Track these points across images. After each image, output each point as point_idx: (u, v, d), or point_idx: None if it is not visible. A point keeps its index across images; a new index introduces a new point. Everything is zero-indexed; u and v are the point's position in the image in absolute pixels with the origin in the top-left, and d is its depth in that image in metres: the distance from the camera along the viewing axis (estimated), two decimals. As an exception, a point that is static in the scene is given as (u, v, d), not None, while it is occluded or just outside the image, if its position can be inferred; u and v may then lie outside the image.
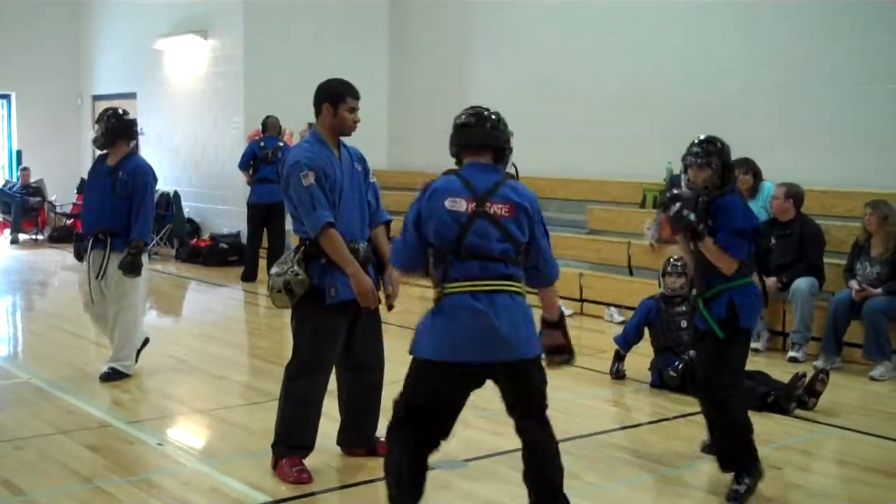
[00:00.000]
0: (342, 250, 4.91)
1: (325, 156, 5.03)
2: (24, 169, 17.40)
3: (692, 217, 4.98)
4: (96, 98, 18.42)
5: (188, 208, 15.40)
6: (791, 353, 8.23)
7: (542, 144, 12.72)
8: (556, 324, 4.45)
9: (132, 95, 16.87)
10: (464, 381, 4.12)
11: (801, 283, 8.24)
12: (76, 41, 18.67)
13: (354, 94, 5.24)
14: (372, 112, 15.50)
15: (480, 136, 4.24)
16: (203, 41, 15.25)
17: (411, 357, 4.18)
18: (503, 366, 4.06)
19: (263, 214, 12.08)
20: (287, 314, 5.25)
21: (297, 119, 12.90)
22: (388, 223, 5.52)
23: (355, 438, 5.47)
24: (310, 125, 12.87)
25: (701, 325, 5.14)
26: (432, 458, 5.26)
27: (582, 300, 10.45)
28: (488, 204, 4.05)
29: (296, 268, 4.91)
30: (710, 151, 5.10)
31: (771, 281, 8.39)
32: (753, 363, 7.80)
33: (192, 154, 15.55)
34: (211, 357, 8.15)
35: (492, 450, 5.67)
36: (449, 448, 5.47)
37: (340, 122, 5.14)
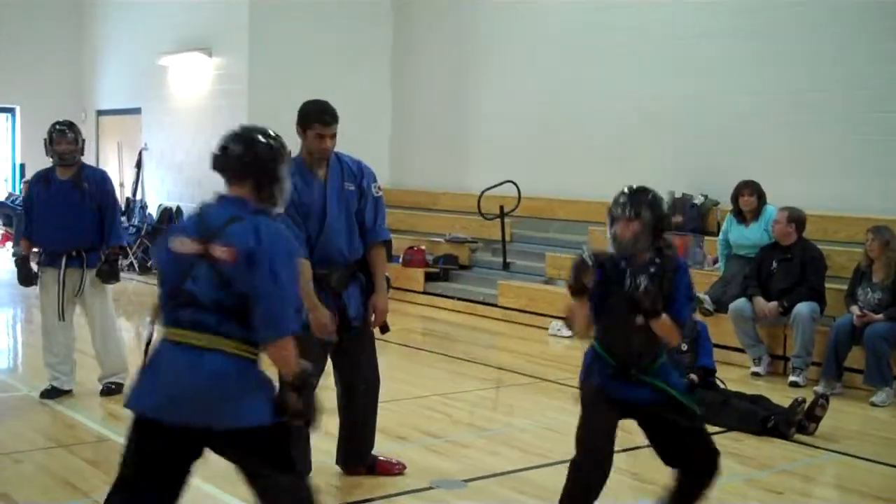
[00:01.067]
0: (305, 286, 4.70)
1: (301, 181, 4.86)
2: (27, 182, 17.40)
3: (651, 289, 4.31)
4: (100, 113, 18.47)
5: (190, 224, 15.40)
6: (792, 378, 8.21)
7: (544, 164, 12.75)
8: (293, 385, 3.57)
9: (136, 111, 16.91)
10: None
11: (803, 308, 8.23)
12: (81, 56, 18.74)
13: (322, 121, 5.07)
14: (374, 131, 15.64)
15: (230, 165, 3.58)
16: (207, 59, 15.30)
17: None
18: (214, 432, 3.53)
19: None
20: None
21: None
22: (387, 242, 5.37)
23: (351, 457, 5.44)
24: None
25: (642, 396, 4.46)
26: (432, 478, 5.27)
27: (583, 322, 10.42)
28: (212, 245, 3.43)
29: None
30: (640, 202, 4.42)
31: (772, 305, 8.39)
32: (754, 387, 7.81)
33: (195, 170, 15.55)
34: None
35: (491, 470, 5.66)
36: (448, 468, 5.47)
37: (308, 144, 5.08)
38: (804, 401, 6.64)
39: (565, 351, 9.74)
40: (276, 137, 3.65)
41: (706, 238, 10.36)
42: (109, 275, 7.14)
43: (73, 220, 7.00)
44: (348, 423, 5.37)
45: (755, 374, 8.54)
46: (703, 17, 11.35)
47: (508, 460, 5.79)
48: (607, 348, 4.46)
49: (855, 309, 7.99)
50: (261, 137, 3.61)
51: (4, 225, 17.28)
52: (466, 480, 5.45)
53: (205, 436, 3.52)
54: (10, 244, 16.79)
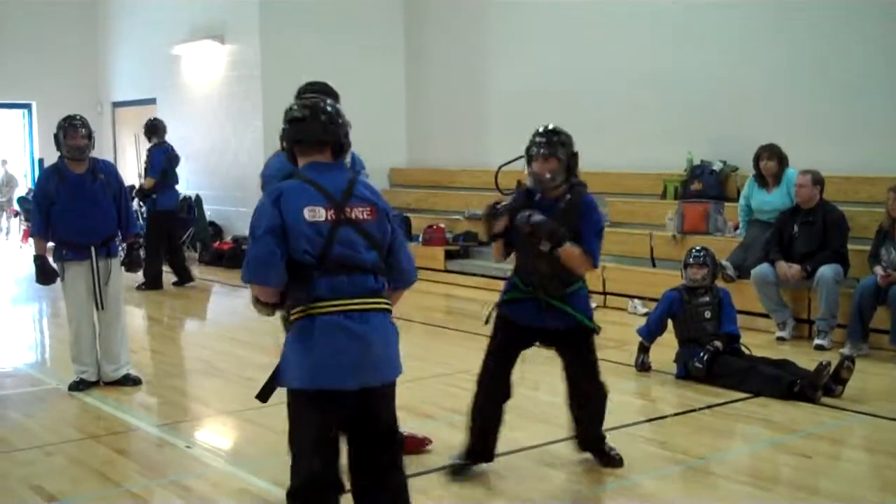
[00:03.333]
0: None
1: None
2: (39, 180, 17.50)
3: (542, 221, 4.79)
4: (116, 105, 18.54)
5: (210, 212, 15.46)
6: (817, 341, 8.19)
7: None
8: None
9: (152, 101, 16.95)
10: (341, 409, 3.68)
11: (826, 271, 8.19)
12: (95, 49, 18.79)
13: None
14: (390, 111, 15.64)
15: (317, 132, 3.71)
16: (220, 46, 15.31)
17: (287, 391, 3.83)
18: (374, 391, 3.68)
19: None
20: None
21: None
22: None
23: None
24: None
25: (557, 323, 4.94)
26: (455, 453, 5.28)
27: (605, 293, 10.44)
28: (348, 208, 3.63)
29: None
30: (554, 142, 4.89)
31: (795, 269, 8.35)
32: (779, 351, 7.80)
33: (212, 158, 15.61)
34: (237, 359, 8.19)
35: (514, 445, 5.65)
36: (475, 444, 5.49)
37: None
38: (829, 364, 6.62)
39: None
40: (334, 104, 3.83)
41: (726, 204, 10.31)
42: (134, 264, 7.27)
43: (96, 212, 7.09)
44: None
45: (780, 339, 8.51)
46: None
47: (534, 434, 5.80)
48: (521, 275, 5.00)
49: (878, 269, 7.94)
50: (331, 105, 3.78)
51: (26, 220, 17.40)
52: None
53: (372, 394, 3.67)
54: (31, 239, 16.93)
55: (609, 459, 5.30)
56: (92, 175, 7.14)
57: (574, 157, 4.97)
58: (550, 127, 4.99)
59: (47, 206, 7.11)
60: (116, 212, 7.20)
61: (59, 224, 7.10)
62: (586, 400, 5.18)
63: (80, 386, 7.13)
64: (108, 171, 7.28)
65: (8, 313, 11.16)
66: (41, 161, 18.53)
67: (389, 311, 3.74)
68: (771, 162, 9.03)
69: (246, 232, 13.05)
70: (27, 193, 17.74)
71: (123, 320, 7.33)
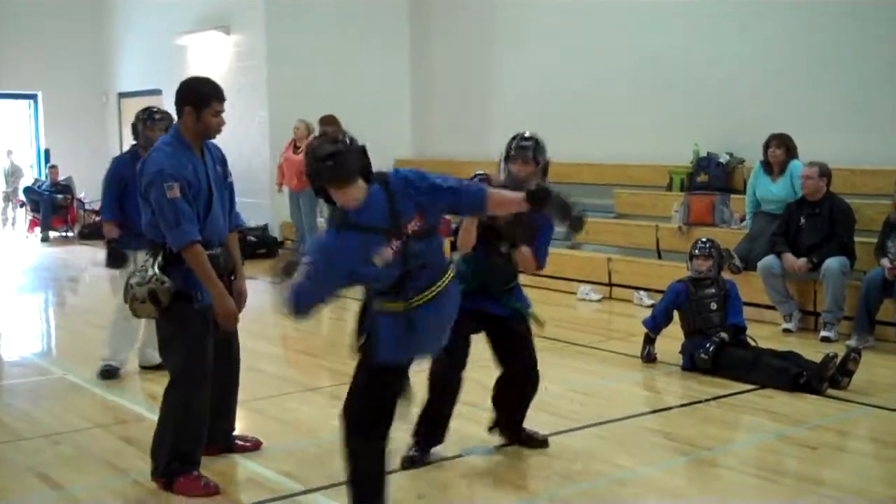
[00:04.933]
0: (207, 269, 4.67)
1: (190, 162, 4.75)
2: (52, 167, 17.56)
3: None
4: (122, 95, 18.55)
5: (215, 203, 15.47)
6: (823, 333, 8.18)
7: (568, 129, 12.66)
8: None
9: (157, 92, 16.94)
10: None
11: (832, 263, 8.18)
12: (100, 39, 18.80)
13: (220, 98, 4.91)
14: (395, 103, 15.64)
15: (352, 164, 3.90)
16: (226, 37, 15.31)
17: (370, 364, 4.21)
18: None
19: None
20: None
21: (320, 111, 12.96)
22: (240, 228, 5.45)
23: (220, 437, 5.34)
24: (308, 125, 13.01)
25: (499, 311, 5.24)
26: (463, 445, 5.31)
27: (611, 284, 10.43)
28: (403, 227, 3.95)
29: (159, 274, 4.63)
30: (538, 149, 5.16)
31: (801, 261, 8.34)
32: (786, 343, 7.79)
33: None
34: (243, 349, 8.17)
35: (523, 435, 5.67)
36: (478, 433, 5.50)
37: (205, 126, 4.83)
38: (836, 356, 6.61)
39: (594, 315, 9.75)
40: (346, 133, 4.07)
41: (732, 196, 10.31)
42: None
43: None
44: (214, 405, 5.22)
45: (786, 331, 8.51)
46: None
47: (540, 425, 5.79)
48: (474, 268, 5.20)
49: (885, 262, 7.93)
50: (349, 136, 4.00)
51: (32, 210, 17.43)
52: (497, 446, 5.47)
53: None
54: (38, 229, 16.95)
55: (531, 440, 5.49)
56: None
57: (547, 165, 5.22)
58: (530, 133, 5.25)
59: (120, 191, 7.00)
60: None
61: (134, 213, 7.11)
62: (525, 381, 5.40)
63: (112, 374, 7.15)
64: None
65: (14, 303, 11.18)
66: (47, 151, 18.57)
67: (453, 277, 4.21)
68: (779, 150, 9.03)
69: (251, 223, 13.01)
70: (33, 184, 17.77)
71: None
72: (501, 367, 5.38)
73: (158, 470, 4.84)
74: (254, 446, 5.51)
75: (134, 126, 7.19)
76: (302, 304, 3.95)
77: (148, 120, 7.02)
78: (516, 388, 5.41)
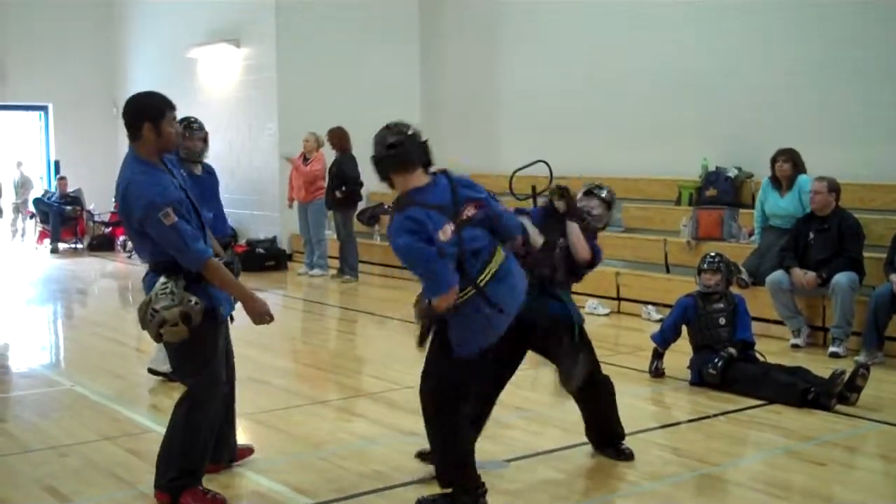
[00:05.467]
0: (228, 278, 4.68)
1: (167, 182, 4.61)
2: (62, 178, 17.62)
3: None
4: (132, 107, 18.60)
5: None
6: (832, 349, 8.15)
7: (576, 142, 12.71)
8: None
9: (167, 104, 17.02)
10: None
11: (841, 278, 8.16)
12: (110, 52, 18.89)
13: (172, 106, 4.76)
14: (404, 115, 15.45)
15: (416, 152, 4.39)
16: (236, 49, 15.37)
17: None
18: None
19: None
20: (324, 319, 5.26)
21: (330, 124, 13.00)
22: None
23: (229, 452, 5.36)
24: (318, 136, 13.05)
25: (558, 310, 5.32)
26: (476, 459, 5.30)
27: (619, 298, 10.42)
28: (460, 212, 4.38)
29: (188, 295, 4.56)
30: (611, 194, 5.71)
31: (810, 276, 8.32)
32: (794, 359, 7.77)
33: (228, 161, 15.66)
34: (250, 362, 8.19)
35: (533, 450, 5.67)
36: (490, 449, 5.49)
37: (166, 138, 4.65)
38: (843, 372, 6.59)
39: (601, 329, 9.73)
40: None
41: (741, 211, 10.30)
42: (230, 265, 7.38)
43: (220, 209, 7.24)
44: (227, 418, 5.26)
45: (795, 346, 8.48)
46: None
47: (550, 439, 5.79)
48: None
49: (894, 277, 7.90)
50: (410, 131, 4.42)
51: (42, 222, 17.48)
52: (508, 460, 5.46)
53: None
54: (47, 241, 17.01)
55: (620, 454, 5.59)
56: (208, 175, 7.28)
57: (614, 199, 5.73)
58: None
59: None
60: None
61: None
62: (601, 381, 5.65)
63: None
64: (212, 173, 7.39)
65: (23, 314, 11.21)
66: (57, 163, 18.64)
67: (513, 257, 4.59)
68: (786, 165, 9.02)
69: (261, 235, 13.06)
70: (43, 195, 17.83)
71: None
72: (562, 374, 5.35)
73: (163, 483, 4.82)
74: (249, 452, 5.54)
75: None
76: (440, 284, 4.29)
77: (186, 130, 6.99)
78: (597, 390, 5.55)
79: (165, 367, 7.14)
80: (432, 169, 4.46)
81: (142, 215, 4.49)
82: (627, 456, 5.50)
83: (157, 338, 4.63)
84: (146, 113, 4.66)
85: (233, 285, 4.72)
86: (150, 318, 4.56)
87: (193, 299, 4.57)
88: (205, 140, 7.19)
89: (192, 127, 7.07)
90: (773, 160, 9.15)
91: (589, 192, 5.66)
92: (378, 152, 4.39)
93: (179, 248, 4.51)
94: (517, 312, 4.54)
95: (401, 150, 4.33)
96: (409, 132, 4.39)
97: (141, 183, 4.54)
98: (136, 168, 4.62)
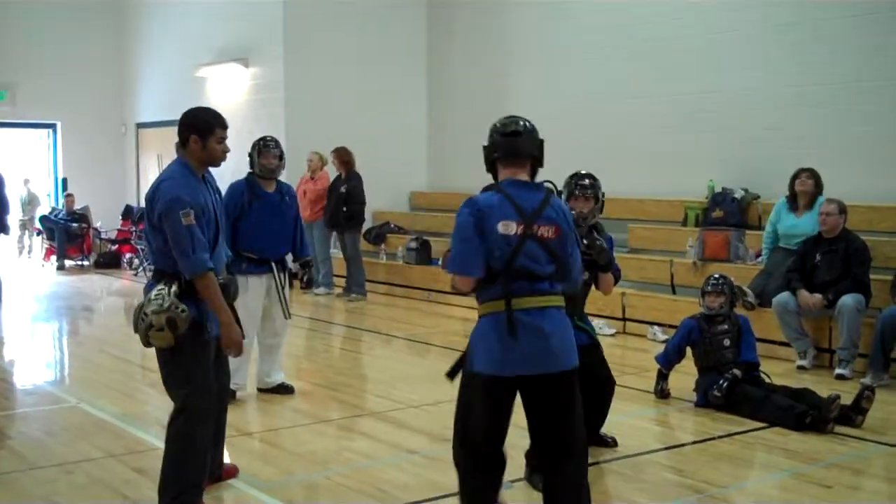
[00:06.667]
0: (218, 297, 4.72)
1: (199, 190, 4.81)
2: (69, 195, 17.67)
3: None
4: (140, 126, 18.69)
5: (231, 233, 15.53)
6: (838, 371, 8.14)
7: (582, 163, 12.60)
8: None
9: (175, 123, 17.05)
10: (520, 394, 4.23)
11: (848, 300, 8.15)
12: (120, 71, 18.97)
13: (223, 125, 4.99)
14: (411, 134, 15.71)
15: (528, 146, 4.27)
16: (244, 69, 15.44)
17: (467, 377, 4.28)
18: (555, 377, 4.16)
19: None
20: (329, 338, 5.26)
21: (337, 143, 13.03)
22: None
23: (216, 468, 5.36)
24: (323, 154, 13.07)
25: (581, 339, 5.15)
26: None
27: (625, 319, 10.41)
28: (535, 226, 4.14)
29: (177, 302, 4.63)
30: (597, 186, 5.80)
31: (817, 298, 8.31)
32: (800, 380, 7.75)
33: (235, 179, 15.72)
34: (255, 380, 8.20)
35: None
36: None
37: (210, 154, 4.89)
38: (839, 397, 6.56)
39: (607, 349, 9.61)
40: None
41: (747, 232, 10.30)
42: (311, 281, 8.22)
43: (281, 230, 7.46)
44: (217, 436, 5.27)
45: (801, 368, 8.47)
46: (741, 11, 11.28)
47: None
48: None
49: (901, 299, 7.91)
50: (529, 125, 4.31)
51: (48, 239, 17.52)
52: (513, 481, 5.44)
53: (548, 380, 4.14)
54: (54, 258, 17.05)
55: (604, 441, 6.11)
56: (280, 195, 7.49)
57: (603, 199, 5.83)
58: (585, 172, 5.86)
59: (236, 218, 7.31)
60: (293, 233, 7.58)
61: (246, 237, 7.32)
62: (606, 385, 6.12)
63: (280, 389, 7.64)
64: (290, 194, 7.63)
65: (29, 331, 11.23)
66: (64, 180, 18.69)
67: (563, 308, 4.24)
68: (809, 181, 9.02)
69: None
70: (50, 212, 17.88)
71: (286, 333, 7.72)
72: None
73: (167, 502, 4.82)
74: (234, 469, 5.56)
75: (250, 155, 7.60)
76: (457, 262, 4.17)
77: (263, 148, 7.46)
78: (598, 393, 5.79)
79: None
80: (542, 181, 4.42)
81: (165, 208, 4.64)
82: (610, 443, 6.08)
83: (146, 342, 4.70)
84: (195, 127, 4.89)
85: (219, 305, 4.75)
86: (140, 322, 4.67)
87: (181, 307, 4.64)
88: (280, 157, 7.51)
89: (269, 145, 7.50)
90: (795, 177, 9.13)
91: (571, 195, 5.78)
92: (493, 138, 4.31)
93: (185, 250, 4.61)
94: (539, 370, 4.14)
95: (518, 139, 4.25)
96: (529, 126, 4.31)
97: (175, 181, 4.76)
98: (176, 170, 4.86)
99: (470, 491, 4.28)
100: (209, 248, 4.73)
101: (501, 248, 4.09)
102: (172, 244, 4.65)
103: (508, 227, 4.09)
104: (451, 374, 4.34)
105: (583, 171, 5.81)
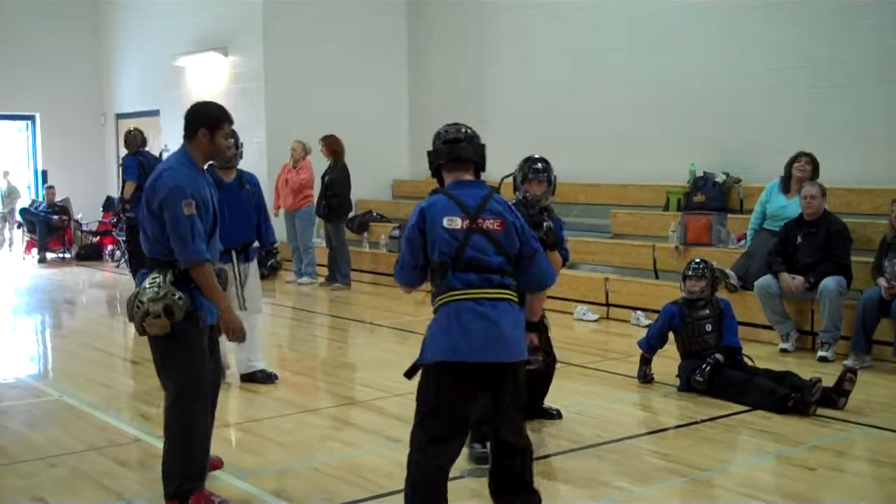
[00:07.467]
0: (214, 285, 4.74)
1: (200, 182, 4.84)
2: (49, 188, 17.56)
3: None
4: (120, 116, 18.59)
5: (213, 223, 15.48)
6: (820, 353, 8.18)
7: (564, 149, 12.67)
8: (534, 326, 4.94)
9: (155, 113, 17.00)
10: (473, 381, 4.24)
11: (829, 283, 8.18)
12: (98, 61, 18.86)
13: (230, 121, 5.11)
14: (393, 123, 15.69)
15: (470, 152, 4.43)
16: (224, 58, 15.36)
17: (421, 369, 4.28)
18: (504, 366, 4.23)
19: None
20: (313, 327, 5.25)
21: (318, 132, 12.98)
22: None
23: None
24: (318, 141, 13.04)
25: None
26: (460, 467, 5.29)
27: (608, 304, 10.43)
28: (480, 220, 4.26)
29: (173, 289, 4.64)
30: (548, 169, 5.89)
31: (798, 281, 8.34)
32: (783, 363, 7.79)
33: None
34: (237, 370, 8.18)
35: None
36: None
37: (217, 147, 4.98)
38: (819, 380, 6.59)
39: (591, 335, 9.74)
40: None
41: (729, 216, 10.32)
42: (275, 268, 8.31)
43: (243, 218, 7.40)
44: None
45: (783, 351, 8.50)
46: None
47: (537, 446, 5.78)
48: None
49: (882, 281, 7.94)
50: (470, 132, 4.49)
51: (29, 232, 17.42)
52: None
53: (498, 370, 4.21)
54: (35, 251, 16.95)
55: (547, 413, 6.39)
56: (239, 183, 7.47)
57: (556, 182, 5.98)
58: (539, 156, 5.98)
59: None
60: (257, 220, 7.60)
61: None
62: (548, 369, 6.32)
63: (264, 377, 7.67)
64: (252, 182, 7.63)
65: (10, 324, 11.17)
66: (44, 172, 18.58)
67: (516, 302, 4.32)
68: (808, 166, 9.03)
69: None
70: (30, 205, 17.77)
71: (255, 322, 7.62)
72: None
73: (171, 491, 4.81)
74: (219, 462, 5.52)
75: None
76: (399, 275, 4.38)
77: None
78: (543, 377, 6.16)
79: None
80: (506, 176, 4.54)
81: (166, 196, 4.66)
82: (555, 415, 6.41)
83: (141, 330, 4.70)
84: (205, 119, 4.96)
85: (216, 293, 4.78)
86: (135, 310, 4.67)
87: (178, 294, 4.65)
88: (237, 147, 7.52)
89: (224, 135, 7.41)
90: (794, 160, 9.13)
91: (525, 179, 5.90)
92: (436, 146, 4.48)
93: (184, 238, 4.64)
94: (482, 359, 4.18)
95: (458, 146, 4.41)
96: (470, 133, 4.48)
97: (178, 171, 4.79)
98: (181, 160, 4.89)
99: (421, 460, 4.26)
100: (206, 240, 4.76)
101: (448, 241, 4.22)
102: (171, 232, 4.67)
103: (453, 222, 4.24)
104: (408, 374, 4.38)
105: (536, 156, 5.97)
